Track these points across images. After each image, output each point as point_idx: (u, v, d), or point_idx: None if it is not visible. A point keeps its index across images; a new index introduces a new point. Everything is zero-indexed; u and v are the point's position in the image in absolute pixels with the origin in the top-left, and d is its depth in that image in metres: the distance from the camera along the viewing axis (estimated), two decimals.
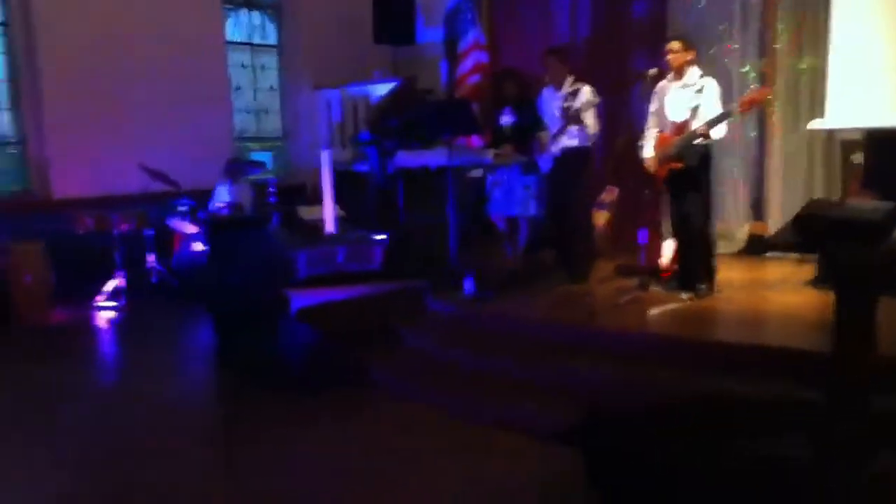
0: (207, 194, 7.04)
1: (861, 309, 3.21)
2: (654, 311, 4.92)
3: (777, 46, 6.36)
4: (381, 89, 8.32)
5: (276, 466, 3.70)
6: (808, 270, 5.52)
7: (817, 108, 5.90)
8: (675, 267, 5.39)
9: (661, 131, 5.15)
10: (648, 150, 5.21)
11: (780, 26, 6.32)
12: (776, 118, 6.38)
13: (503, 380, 4.40)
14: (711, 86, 5.00)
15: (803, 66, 6.19)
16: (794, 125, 6.25)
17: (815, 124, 5.69)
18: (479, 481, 3.52)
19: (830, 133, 5.98)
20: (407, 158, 6.16)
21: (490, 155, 5.59)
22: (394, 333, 5.15)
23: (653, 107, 5.22)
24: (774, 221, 6.45)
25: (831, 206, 3.43)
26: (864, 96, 5.30)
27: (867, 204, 3.60)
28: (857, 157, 5.84)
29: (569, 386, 4.15)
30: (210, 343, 5.33)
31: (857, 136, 5.82)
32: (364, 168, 7.58)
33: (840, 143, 6.03)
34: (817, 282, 5.25)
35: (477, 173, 6.21)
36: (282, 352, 5.13)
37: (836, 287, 3.27)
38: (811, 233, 3.20)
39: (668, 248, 5.53)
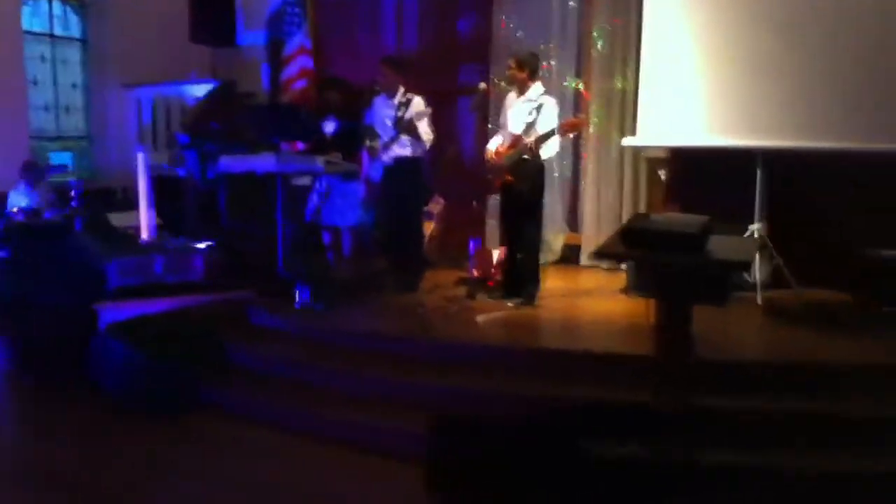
0: (1, 198, 6.35)
1: (682, 315, 3.46)
2: (482, 319, 5.03)
3: (593, 65, 6.75)
4: (199, 90, 7.92)
5: None
6: (620, 279, 5.90)
7: (628, 126, 6.32)
8: (499, 276, 5.57)
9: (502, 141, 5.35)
10: (491, 147, 5.43)
11: (597, 44, 6.71)
12: (591, 134, 6.76)
13: (340, 394, 4.31)
14: (549, 104, 5.23)
15: (618, 85, 6.61)
16: (608, 141, 6.65)
17: (627, 141, 6.09)
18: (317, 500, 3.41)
19: (638, 150, 6.43)
20: (231, 163, 5.90)
21: (321, 162, 5.48)
22: (220, 349, 4.88)
23: (501, 118, 5.47)
24: (588, 232, 6.83)
25: (652, 220, 3.67)
26: (670, 116, 5.74)
27: (682, 217, 3.90)
28: (663, 174, 6.34)
29: (407, 398, 4.13)
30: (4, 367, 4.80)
31: (663, 154, 6.33)
32: (182, 172, 7.17)
33: (646, 160, 6.51)
34: (628, 289, 5.63)
35: (303, 181, 6.06)
36: (93, 373, 4.70)
37: (659, 295, 3.50)
38: (636, 244, 3.41)
39: (495, 258, 5.71)
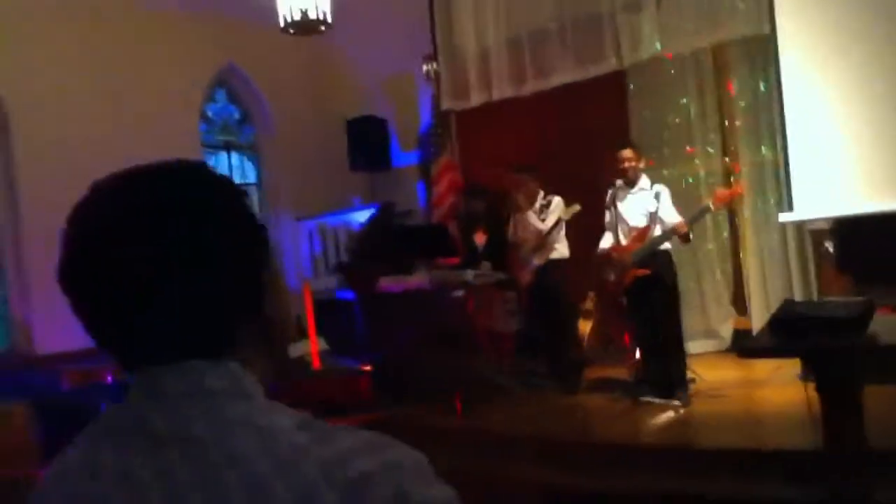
0: None
1: (848, 404, 3.21)
2: (652, 422, 4.86)
3: (738, 138, 6.57)
4: (361, 216, 8.48)
5: None
6: (797, 364, 5.49)
7: (785, 198, 6.04)
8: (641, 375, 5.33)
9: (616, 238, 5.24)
10: (605, 245, 5.34)
11: (739, 125, 6.55)
12: (746, 214, 6.51)
13: None
14: (665, 191, 5.17)
15: (767, 156, 6.37)
16: (764, 216, 6.37)
17: (785, 217, 5.81)
18: None
19: (800, 224, 6.10)
20: (389, 284, 6.22)
21: (471, 276, 5.66)
22: None
23: (609, 215, 5.34)
24: (757, 315, 6.48)
25: (805, 305, 3.47)
26: (827, 184, 5.44)
27: (840, 300, 3.66)
28: (830, 246, 5.95)
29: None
30: None
31: (825, 225, 5.95)
32: (346, 295, 7.62)
33: (809, 233, 6.15)
34: (804, 375, 5.23)
35: (458, 293, 6.26)
36: None
37: (821, 386, 3.27)
38: (787, 334, 3.22)
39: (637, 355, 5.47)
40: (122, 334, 0.80)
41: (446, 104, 7.79)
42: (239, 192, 0.83)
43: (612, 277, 5.24)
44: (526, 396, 5.69)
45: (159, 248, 0.76)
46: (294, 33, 6.46)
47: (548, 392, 5.69)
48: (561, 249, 5.75)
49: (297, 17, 6.12)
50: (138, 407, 0.78)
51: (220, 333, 0.81)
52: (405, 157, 9.28)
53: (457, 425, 5.28)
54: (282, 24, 6.22)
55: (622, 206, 5.24)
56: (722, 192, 5.23)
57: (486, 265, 5.95)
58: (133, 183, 0.80)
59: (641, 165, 5.23)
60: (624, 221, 5.24)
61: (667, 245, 5.08)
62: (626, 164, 5.18)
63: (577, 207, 5.60)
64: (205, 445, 0.74)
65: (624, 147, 5.31)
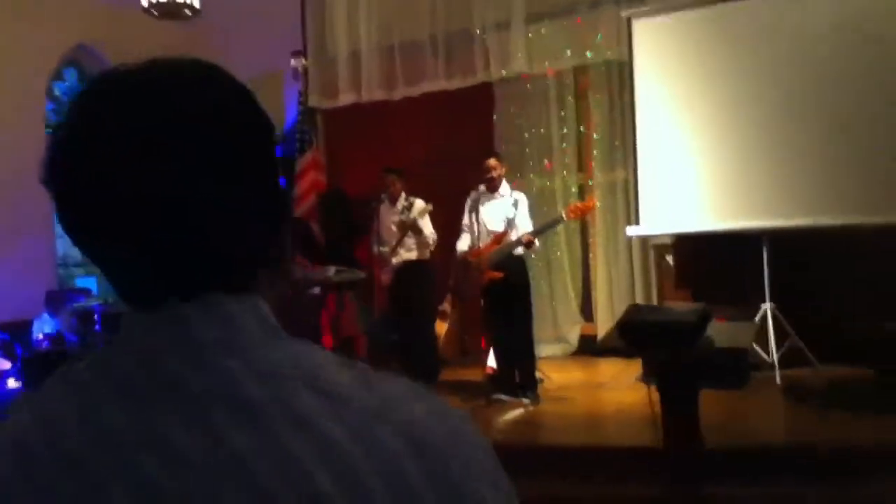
0: (28, 326, 6.55)
1: (685, 404, 3.46)
2: (502, 420, 5.02)
3: (594, 161, 6.94)
4: None
5: None
6: (637, 367, 5.86)
7: (633, 216, 6.42)
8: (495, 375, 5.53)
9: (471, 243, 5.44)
10: (463, 247, 5.51)
11: (595, 142, 6.92)
12: (596, 227, 6.88)
13: None
14: (523, 199, 5.41)
15: (619, 175, 6.76)
16: (614, 230, 6.76)
17: (632, 231, 6.19)
18: None
19: (645, 239, 6.51)
20: None
21: (332, 272, 5.63)
22: None
23: (466, 218, 5.54)
24: (602, 321, 6.85)
25: (650, 310, 3.72)
26: (671, 203, 5.85)
27: (681, 306, 3.95)
28: (669, 260, 6.40)
29: None
30: None
31: (669, 240, 6.40)
32: None
33: (653, 248, 6.58)
34: (645, 377, 5.59)
35: (315, 291, 6.21)
36: None
37: (660, 386, 3.51)
38: (633, 337, 3.45)
39: (491, 359, 5.65)
40: (132, 261, 0.67)
41: (314, 101, 7.73)
42: (255, 97, 0.72)
43: (468, 279, 5.39)
44: None
45: (188, 160, 0.64)
46: (158, 16, 6.18)
47: None
48: (420, 251, 5.83)
49: None
50: (158, 356, 0.65)
51: (246, 259, 0.70)
52: None
53: None
54: (145, 4, 5.94)
55: (483, 211, 5.42)
56: (576, 205, 5.52)
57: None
58: (154, 83, 0.67)
59: (503, 173, 5.43)
60: (483, 225, 5.42)
61: (521, 251, 5.29)
62: (491, 173, 5.36)
63: (429, 206, 5.74)
64: (256, 406, 0.63)
65: (489, 156, 5.50)
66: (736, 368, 5.31)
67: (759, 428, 4.57)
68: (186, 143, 0.65)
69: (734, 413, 4.72)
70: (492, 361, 5.60)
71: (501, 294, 5.27)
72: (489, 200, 5.44)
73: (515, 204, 5.33)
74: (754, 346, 5.46)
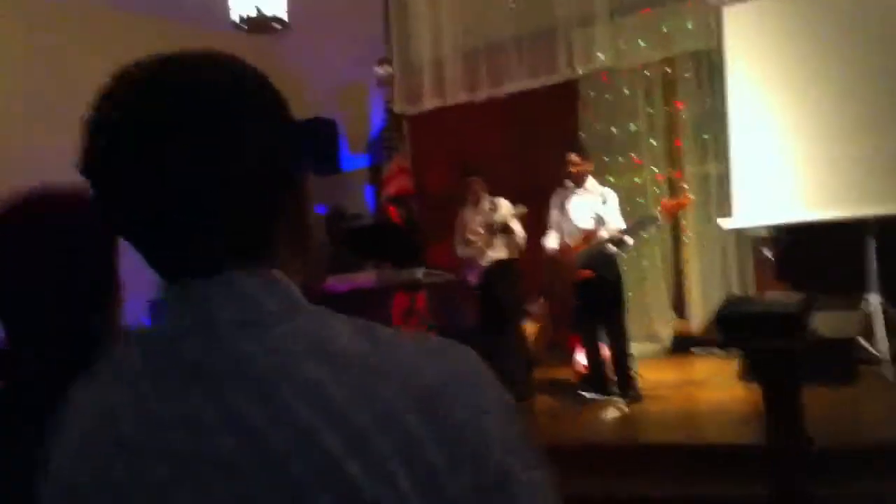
0: None
1: (790, 400, 3.32)
2: (596, 419, 4.95)
3: (684, 154, 6.78)
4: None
5: None
6: (735, 365, 5.66)
7: (725, 210, 6.23)
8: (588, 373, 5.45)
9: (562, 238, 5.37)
10: (552, 245, 5.43)
11: (685, 135, 6.76)
12: (688, 221, 6.71)
13: None
14: (613, 195, 5.31)
15: (710, 172, 6.58)
16: (707, 224, 6.57)
17: (725, 223, 6.00)
18: None
19: (740, 232, 6.31)
20: (335, 283, 6.18)
21: (421, 274, 5.68)
22: None
23: (554, 215, 5.47)
24: (696, 318, 6.66)
25: (749, 300, 3.59)
26: (765, 196, 5.64)
27: (781, 296, 3.80)
28: (767, 252, 6.17)
29: None
30: None
31: (766, 233, 6.17)
32: None
33: (750, 240, 6.36)
34: (744, 375, 5.40)
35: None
36: None
37: (763, 380, 3.39)
38: (733, 329, 3.34)
39: (582, 357, 5.57)
40: (159, 240, 0.72)
41: (399, 108, 7.83)
42: (272, 84, 0.77)
43: (559, 278, 5.33)
44: None
45: (210, 142, 0.69)
46: (248, 30, 6.38)
47: None
48: (509, 250, 5.81)
49: (252, 13, 6.06)
50: (181, 339, 0.71)
51: (262, 234, 0.74)
52: (355, 159, 9.25)
53: None
54: (236, 19, 6.15)
55: (571, 207, 5.35)
56: (668, 201, 5.36)
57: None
58: (176, 71, 0.72)
59: (589, 169, 5.35)
60: (570, 222, 5.35)
61: (612, 248, 5.19)
62: (574, 168, 5.29)
63: (523, 209, 5.69)
64: (266, 379, 0.67)
65: (572, 150, 5.42)
66: (842, 362, 5.11)
67: (870, 424, 4.35)
68: (202, 127, 0.69)
69: (842, 410, 4.51)
70: (582, 360, 5.53)
71: (593, 293, 5.19)
72: (576, 196, 5.37)
73: (605, 200, 5.25)
74: (861, 340, 5.22)
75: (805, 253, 5.82)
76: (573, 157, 5.35)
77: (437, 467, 0.66)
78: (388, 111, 7.84)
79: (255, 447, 0.66)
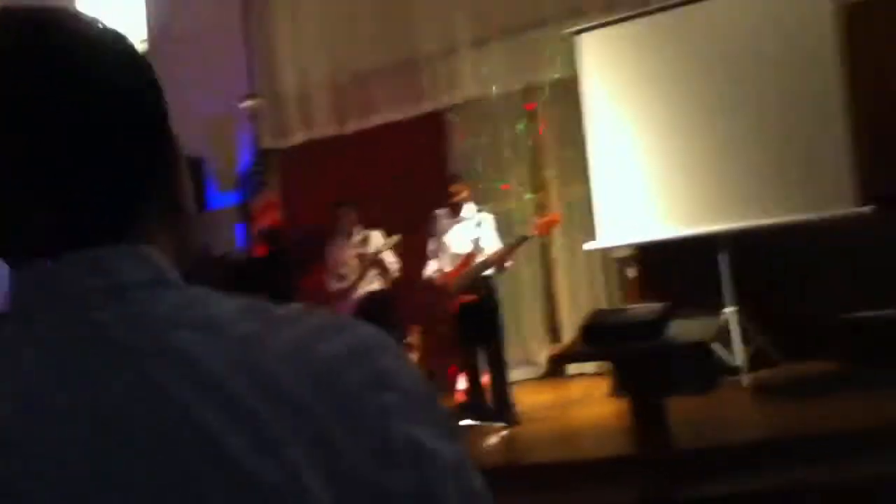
0: None
1: (654, 408, 3.43)
2: (478, 445, 4.97)
3: (549, 179, 6.99)
4: None
5: None
6: (606, 383, 5.83)
7: (591, 231, 6.45)
8: (467, 400, 5.50)
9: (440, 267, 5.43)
10: (431, 273, 5.48)
11: (549, 160, 6.98)
12: (557, 244, 6.89)
13: None
14: (488, 219, 5.40)
15: (575, 193, 6.80)
16: (574, 248, 6.77)
17: (589, 245, 6.20)
18: None
19: (605, 253, 6.54)
20: None
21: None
22: None
23: (432, 244, 5.53)
24: (569, 341, 6.81)
25: (612, 312, 3.71)
26: (626, 216, 5.89)
27: (643, 307, 3.94)
28: (632, 272, 6.42)
29: None
30: None
31: (628, 252, 6.42)
32: None
33: (615, 261, 6.59)
34: (615, 391, 5.56)
35: None
36: None
37: (629, 389, 3.49)
38: (597, 339, 3.43)
39: (462, 382, 5.61)
40: (21, 215, 0.63)
41: (267, 143, 7.71)
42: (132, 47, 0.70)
43: (437, 305, 5.34)
44: None
45: (73, 108, 0.62)
46: None
47: None
48: (381, 282, 5.78)
49: None
50: (37, 314, 0.62)
51: (129, 210, 0.66)
52: (223, 198, 8.99)
53: None
54: None
55: (448, 235, 5.42)
56: (540, 220, 5.48)
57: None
58: (33, 28, 0.64)
59: (467, 197, 5.45)
60: (448, 249, 5.39)
61: (490, 272, 5.26)
62: (456, 197, 5.40)
63: (396, 239, 5.70)
64: (136, 350, 0.60)
65: (451, 181, 5.56)
66: (704, 372, 5.36)
67: (730, 427, 4.56)
68: (68, 102, 0.62)
69: (705, 416, 4.71)
70: (462, 387, 5.55)
71: (473, 317, 5.25)
72: (453, 224, 5.43)
73: (480, 224, 5.33)
74: (720, 350, 5.49)
75: (666, 270, 6.09)
76: (456, 186, 5.46)
77: (335, 441, 0.59)
78: (257, 146, 7.69)
79: (119, 427, 0.57)
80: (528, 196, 7.06)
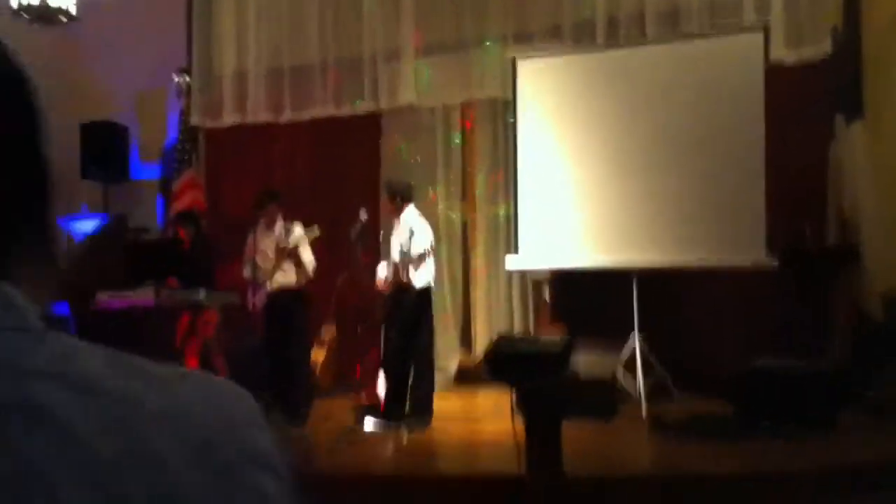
0: None
1: (548, 434, 3.51)
2: (375, 450, 4.97)
3: (477, 194, 7.06)
4: (88, 225, 7.82)
5: None
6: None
7: (513, 250, 6.56)
8: (390, 402, 5.55)
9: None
10: (380, 275, 5.56)
11: (479, 177, 7.05)
12: (479, 259, 6.98)
13: None
14: (419, 228, 5.43)
15: (500, 212, 6.90)
16: (496, 265, 6.87)
17: (509, 265, 6.31)
18: None
19: (524, 273, 6.66)
20: (109, 300, 5.77)
21: (203, 295, 5.43)
22: None
23: (385, 246, 5.65)
24: (481, 352, 6.92)
25: (516, 340, 3.78)
26: (546, 239, 6.01)
27: (547, 338, 4.04)
28: (547, 294, 6.56)
29: None
30: None
31: (545, 275, 6.56)
32: (60, 309, 6.94)
33: (531, 282, 6.73)
34: (516, 408, 5.66)
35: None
36: None
37: (524, 416, 3.56)
38: (499, 367, 3.49)
39: (382, 386, 5.68)
40: None
41: (196, 120, 7.54)
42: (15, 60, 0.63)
43: (372, 307, 5.51)
44: None
45: None
46: (29, 19, 5.89)
47: (274, 424, 5.58)
48: (298, 277, 5.73)
49: (34, 1, 5.60)
50: None
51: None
52: (146, 169, 8.75)
53: None
54: (14, 5, 5.66)
55: (392, 241, 5.55)
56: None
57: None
58: None
59: (396, 206, 5.52)
60: (388, 254, 5.56)
61: (420, 279, 5.31)
62: (387, 210, 5.55)
63: (314, 232, 5.65)
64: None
65: (395, 191, 5.58)
66: (604, 401, 5.49)
67: (623, 458, 4.69)
68: None
69: (599, 444, 4.83)
70: (382, 388, 5.62)
71: (398, 322, 5.35)
72: (394, 229, 5.56)
73: (411, 232, 5.38)
74: (622, 380, 5.66)
75: (579, 297, 6.25)
76: (384, 202, 5.52)
77: None
78: (185, 123, 7.51)
79: None
80: (453, 214, 7.11)
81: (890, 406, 5.05)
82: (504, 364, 3.44)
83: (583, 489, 3.80)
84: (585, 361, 3.58)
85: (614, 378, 5.61)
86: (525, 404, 3.53)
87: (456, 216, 7.13)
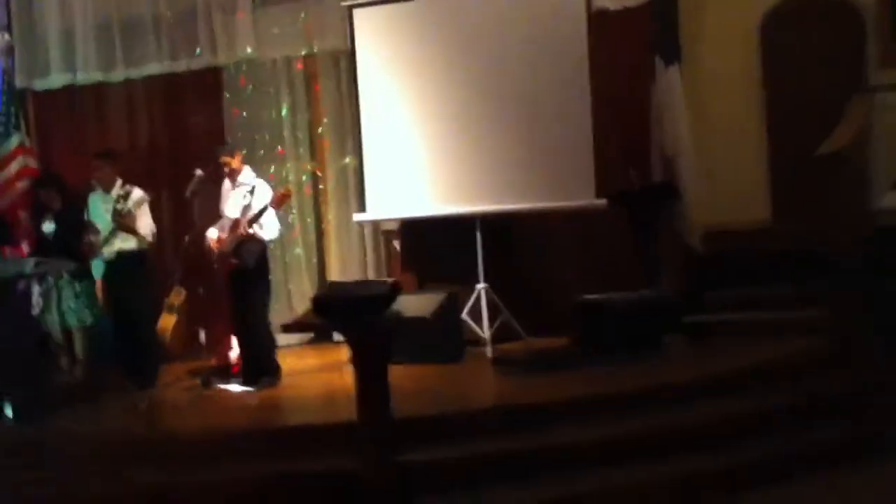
0: None
1: (376, 377, 3.60)
2: (232, 408, 5.01)
3: (326, 148, 7.00)
4: None
5: None
6: None
7: (362, 203, 6.56)
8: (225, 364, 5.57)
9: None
10: (212, 236, 5.44)
11: (326, 130, 6.98)
12: (331, 212, 6.96)
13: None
14: (261, 184, 5.36)
15: (349, 163, 6.86)
16: (345, 218, 6.86)
17: (358, 217, 6.34)
18: None
19: (375, 226, 6.71)
20: None
21: (30, 265, 5.18)
22: None
23: (219, 208, 5.50)
24: None
25: (344, 286, 3.83)
26: (394, 190, 6.07)
27: (377, 282, 4.12)
28: (396, 244, 6.65)
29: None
30: None
31: (395, 227, 6.63)
32: None
33: (382, 234, 6.79)
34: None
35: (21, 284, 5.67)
36: None
37: (354, 358, 3.64)
38: (325, 311, 3.54)
39: (236, 344, 5.66)
40: None
41: (21, 81, 7.09)
42: None
43: (211, 265, 5.40)
44: (100, 396, 5.39)
45: None
46: None
47: (124, 390, 5.46)
48: (138, 241, 5.56)
49: None
50: None
51: None
52: None
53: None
54: None
55: (229, 200, 5.41)
56: (278, 194, 5.39)
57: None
58: None
59: (240, 168, 5.41)
60: (225, 214, 5.42)
61: (262, 236, 5.25)
62: (227, 168, 5.37)
63: (145, 197, 5.53)
64: None
65: (228, 151, 5.46)
66: (451, 343, 5.70)
67: (465, 396, 4.88)
68: None
69: (444, 385, 5.02)
70: (233, 350, 5.65)
71: (240, 281, 5.29)
72: (231, 189, 5.44)
73: (252, 190, 5.30)
74: (470, 322, 5.84)
75: (427, 246, 6.38)
76: (224, 158, 5.36)
77: None
78: (9, 84, 7.03)
79: None
80: (302, 168, 7.02)
81: (708, 329, 5.49)
82: (330, 309, 3.49)
83: (415, 428, 3.93)
84: (404, 301, 3.64)
85: (461, 321, 5.79)
86: (353, 348, 3.61)
87: (304, 171, 7.05)
